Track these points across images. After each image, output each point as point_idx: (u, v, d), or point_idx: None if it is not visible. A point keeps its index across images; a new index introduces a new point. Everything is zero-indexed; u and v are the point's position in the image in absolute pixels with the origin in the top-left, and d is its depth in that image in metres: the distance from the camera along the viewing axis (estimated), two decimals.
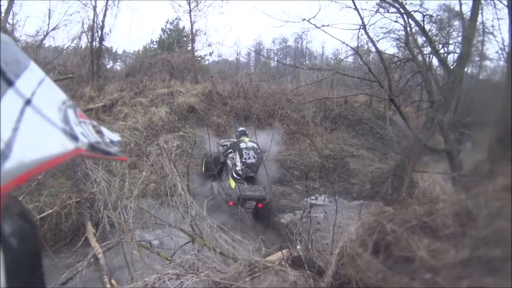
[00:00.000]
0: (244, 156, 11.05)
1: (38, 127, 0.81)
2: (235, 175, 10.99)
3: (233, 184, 10.75)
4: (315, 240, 6.66)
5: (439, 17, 16.80)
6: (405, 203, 8.59)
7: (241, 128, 12.52)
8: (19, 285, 0.82)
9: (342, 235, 6.19)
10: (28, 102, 0.82)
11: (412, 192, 9.66)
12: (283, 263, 5.49)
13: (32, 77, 0.91)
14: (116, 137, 1.11)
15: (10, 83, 0.81)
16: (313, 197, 13.43)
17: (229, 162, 11.70)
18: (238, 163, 11.10)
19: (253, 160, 11.10)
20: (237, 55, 50.05)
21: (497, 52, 17.74)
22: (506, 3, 13.92)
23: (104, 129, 1.05)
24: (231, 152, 11.50)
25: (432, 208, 7.35)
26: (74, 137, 0.86)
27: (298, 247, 6.19)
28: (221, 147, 12.45)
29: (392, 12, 15.61)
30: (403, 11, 14.83)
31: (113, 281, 7.44)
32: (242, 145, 11.24)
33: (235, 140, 11.74)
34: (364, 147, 18.44)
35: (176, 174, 7.57)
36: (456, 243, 6.39)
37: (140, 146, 10.93)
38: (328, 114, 19.85)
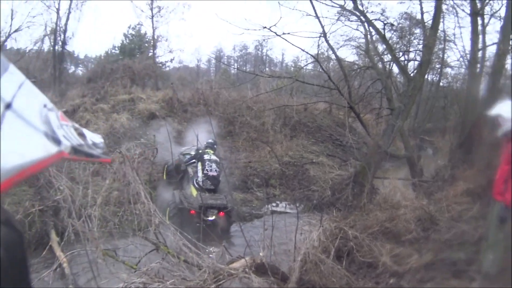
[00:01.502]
0: (206, 168, 10.97)
1: (19, 132, 0.79)
2: (196, 185, 10.90)
3: (194, 192, 10.69)
4: (278, 247, 6.68)
5: (400, 25, 16.98)
6: (366, 209, 8.62)
7: (210, 140, 12.19)
8: None
9: (304, 242, 6.20)
10: (8, 106, 0.79)
11: (373, 198, 9.78)
12: (247, 270, 5.43)
13: (12, 81, 0.87)
14: (98, 138, 1.09)
15: None
16: (274, 204, 13.49)
17: (190, 170, 11.65)
18: (200, 174, 11.01)
19: (215, 173, 11.04)
20: (198, 62, 50.11)
21: (458, 60, 18.03)
22: (469, 12, 14.16)
23: (86, 131, 1.04)
24: (194, 162, 11.49)
25: (393, 213, 7.48)
26: (57, 141, 0.84)
27: (260, 254, 6.12)
28: (181, 156, 12.46)
29: (352, 21, 15.69)
30: (363, 20, 14.84)
31: None
32: (206, 156, 11.17)
33: (200, 151, 11.50)
34: (324, 154, 18.46)
35: (138, 182, 7.39)
36: (419, 247, 6.46)
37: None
38: (287, 121, 19.92)
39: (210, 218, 10.10)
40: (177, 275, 5.65)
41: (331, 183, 14.07)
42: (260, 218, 11.97)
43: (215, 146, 12.09)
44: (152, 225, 6.89)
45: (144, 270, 5.63)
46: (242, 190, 14.22)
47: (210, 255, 6.69)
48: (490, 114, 5.44)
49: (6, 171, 0.70)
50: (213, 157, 11.29)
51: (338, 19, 15.48)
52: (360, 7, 14.66)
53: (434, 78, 22.93)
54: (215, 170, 11.04)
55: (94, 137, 1.06)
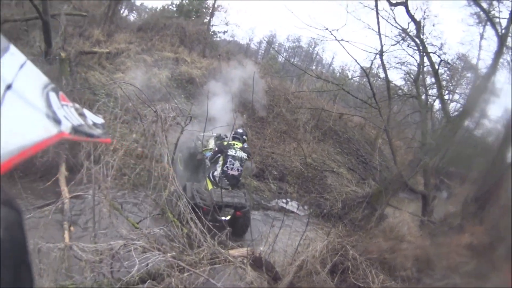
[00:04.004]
0: (227, 165, 9.89)
1: (20, 112, 0.83)
2: (211, 179, 10.02)
3: (210, 186, 9.76)
4: (280, 246, 6.80)
5: (454, 64, 16.88)
6: (371, 233, 8.65)
7: (239, 130, 10.81)
8: (5, 274, 0.82)
9: (306, 249, 6.25)
10: (9, 87, 0.83)
11: (380, 225, 9.71)
12: (245, 261, 5.52)
13: (12, 61, 0.91)
14: (99, 119, 1.11)
15: None
16: (284, 200, 13.39)
17: (208, 161, 10.53)
18: (219, 169, 9.92)
19: (235, 173, 9.97)
20: (249, 41, 49.85)
21: (499, 116, 17.69)
22: None
23: (86, 112, 1.06)
24: (219, 157, 10.06)
25: (396, 246, 7.46)
26: (57, 121, 0.88)
27: (261, 248, 6.19)
28: (199, 142, 11.03)
29: (410, 47, 15.67)
30: (421, 49, 14.83)
31: (72, 228, 7.38)
32: (231, 152, 9.97)
33: (225, 143, 10.26)
34: (346, 166, 18.32)
35: (165, 145, 7.65)
36: (410, 287, 6.47)
37: (135, 106, 10.75)
38: (320, 124, 19.82)
39: (225, 218, 8.85)
40: (176, 246, 5.78)
41: (345, 197, 14.11)
42: (267, 210, 11.87)
43: (244, 137, 10.75)
44: (166, 191, 7.09)
45: (145, 232, 5.74)
46: (258, 178, 14.19)
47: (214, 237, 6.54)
48: None
49: (7, 152, 0.73)
50: (239, 153, 10.03)
51: (398, 42, 15.52)
52: (421, 35, 14.67)
53: (471, 126, 22.74)
54: (237, 169, 9.98)
55: (94, 118, 1.08)
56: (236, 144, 10.19)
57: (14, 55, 0.92)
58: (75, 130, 0.91)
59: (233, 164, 9.84)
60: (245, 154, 10.15)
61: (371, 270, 6.45)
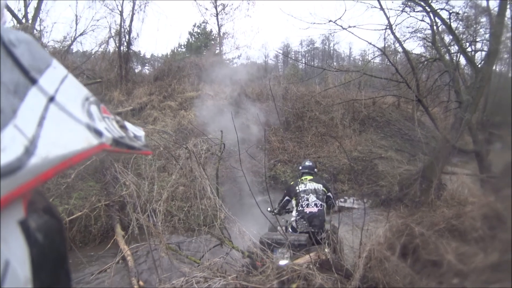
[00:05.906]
0: (301, 203, 7.58)
1: (62, 124, 0.83)
2: (290, 229, 7.76)
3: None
4: (343, 243, 6.87)
5: (465, 14, 16.53)
6: (434, 205, 8.45)
7: (307, 163, 8.61)
8: (45, 279, 0.82)
9: (370, 238, 6.16)
10: (51, 99, 0.84)
11: (441, 195, 9.46)
12: (311, 266, 5.41)
13: (55, 75, 0.92)
14: (140, 131, 1.11)
15: (33, 81, 0.83)
16: (341, 200, 13.55)
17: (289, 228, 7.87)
18: (294, 213, 7.73)
19: (313, 209, 7.48)
20: (265, 58, 50.55)
21: None
22: None
23: (128, 124, 1.06)
24: (288, 201, 7.97)
25: (460, 210, 7.25)
26: (98, 133, 0.88)
27: (326, 250, 6.08)
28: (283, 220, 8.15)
29: (418, 11, 15.41)
30: (429, 10, 14.56)
31: (141, 283, 7.61)
32: (301, 187, 7.74)
33: (291, 182, 8.35)
34: (393, 148, 18.38)
35: (205, 177, 7.61)
36: (485, 246, 6.21)
37: (169, 150, 11.16)
38: (356, 116, 19.96)
39: (281, 264, 5.83)
40: (240, 270, 5.75)
41: (399, 178, 14.07)
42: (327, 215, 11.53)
43: (315, 169, 8.56)
44: (218, 220, 7.10)
45: (206, 265, 5.71)
46: None
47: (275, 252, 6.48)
48: None
49: (49, 161, 0.74)
50: (310, 185, 7.75)
51: (402, 10, 15.25)
52: None
53: (503, 69, 22.16)
54: (314, 204, 7.51)
55: (135, 130, 1.09)
56: (305, 178, 8.07)
57: (56, 69, 0.94)
58: (116, 142, 0.91)
59: (307, 200, 7.53)
60: (320, 185, 7.85)
61: (441, 242, 6.23)
